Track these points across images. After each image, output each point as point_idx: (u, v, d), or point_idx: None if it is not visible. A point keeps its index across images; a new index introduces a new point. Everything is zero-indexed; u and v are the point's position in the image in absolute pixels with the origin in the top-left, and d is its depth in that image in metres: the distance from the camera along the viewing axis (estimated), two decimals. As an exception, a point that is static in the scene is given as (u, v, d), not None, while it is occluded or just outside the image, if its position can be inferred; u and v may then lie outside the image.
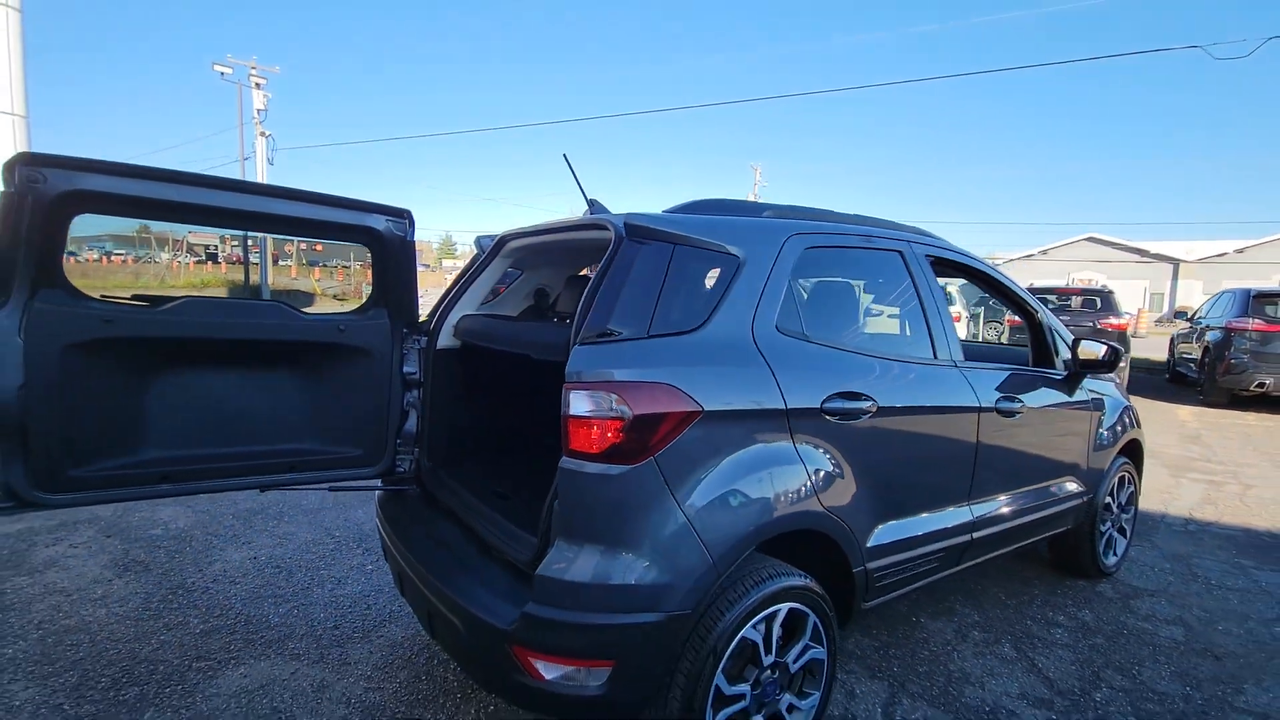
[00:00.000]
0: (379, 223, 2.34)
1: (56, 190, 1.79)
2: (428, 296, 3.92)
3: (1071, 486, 3.02)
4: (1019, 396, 2.64)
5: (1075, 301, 11.11)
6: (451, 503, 2.29)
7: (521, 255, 2.74)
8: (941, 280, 2.81)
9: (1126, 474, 3.44)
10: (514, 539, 1.87)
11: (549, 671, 1.61)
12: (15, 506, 1.89)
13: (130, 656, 2.45)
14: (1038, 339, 3.04)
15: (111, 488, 2.02)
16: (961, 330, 10.87)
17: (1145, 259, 38.48)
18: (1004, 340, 11.40)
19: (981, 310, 15.07)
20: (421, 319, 2.62)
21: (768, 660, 1.81)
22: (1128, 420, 3.40)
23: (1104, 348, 2.93)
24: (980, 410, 2.44)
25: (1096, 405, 3.16)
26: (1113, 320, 10.22)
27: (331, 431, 2.39)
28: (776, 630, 1.82)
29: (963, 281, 16.18)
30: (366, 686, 2.32)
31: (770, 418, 1.81)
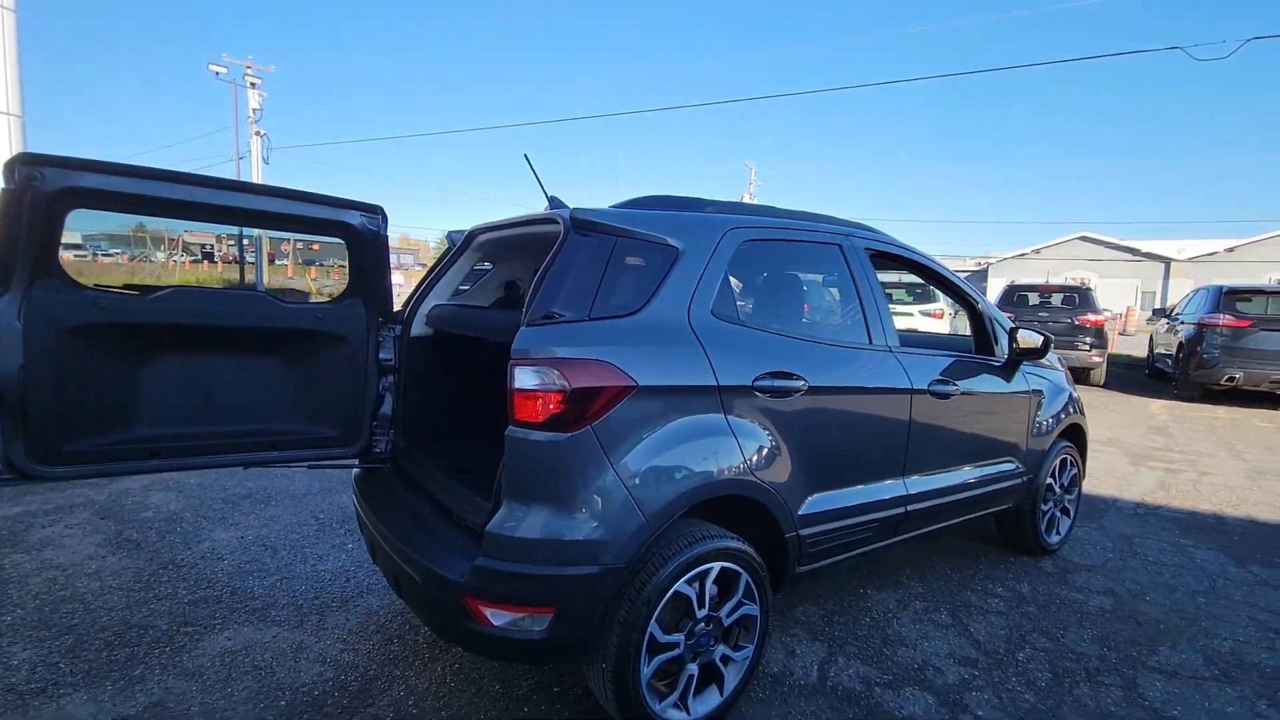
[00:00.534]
0: (354, 218, 2.51)
1: (53, 187, 1.97)
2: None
3: (1010, 467, 3.21)
4: (955, 381, 2.83)
5: (1056, 298, 11.32)
6: (422, 478, 2.47)
7: (490, 249, 2.92)
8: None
9: (1069, 457, 3.63)
10: (472, 505, 2.05)
11: (497, 619, 1.79)
12: (16, 478, 2.06)
13: (122, 623, 2.62)
14: (978, 328, 3.23)
15: (105, 462, 2.20)
16: (944, 325, 11.05)
17: (1137, 258, 38.78)
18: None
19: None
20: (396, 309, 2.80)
21: (701, 614, 1.99)
22: (1069, 406, 3.59)
23: (1040, 337, 3.11)
24: (913, 392, 2.63)
25: (1036, 391, 3.35)
26: (1090, 316, 10.42)
27: (311, 413, 2.56)
28: (710, 587, 2.00)
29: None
30: (342, 648, 2.50)
31: (703, 393, 2.00)
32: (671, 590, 1.90)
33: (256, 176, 26.34)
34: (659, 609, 1.88)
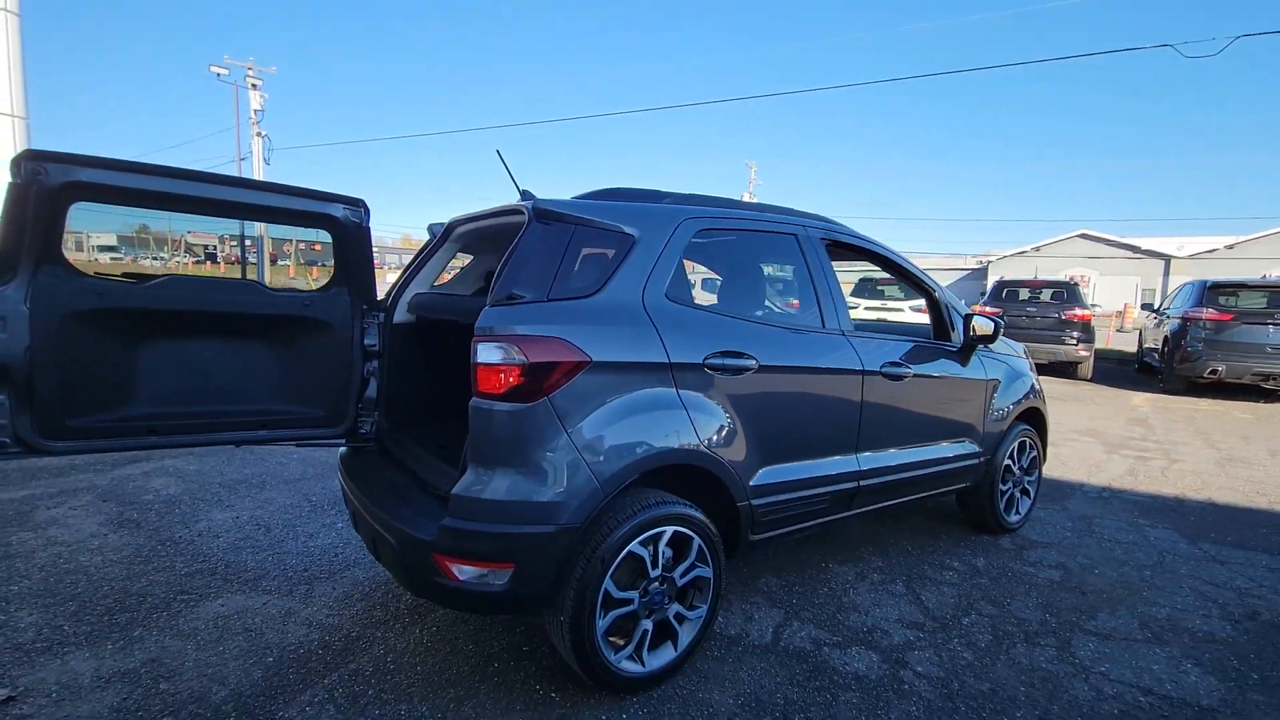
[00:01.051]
0: (338, 210, 2.68)
1: (57, 181, 2.14)
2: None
3: (967, 447, 3.37)
4: (908, 364, 2.99)
5: (1044, 294, 11.46)
6: (402, 455, 2.63)
7: (469, 239, 3.08)
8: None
9: (1028, 440, 3.79)
10: (444, 475, 2.22)
11: (462, 573, 1.95)
12: (23, 451, 2.23)
13: (122, 592, 2.80)
14: (936, 315, 3.39)
15: (105, 438, 2.36)
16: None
17: (1137, 255, 38.86)
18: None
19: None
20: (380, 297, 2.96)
21: (655, 574, 2.16)
22: (1027, 390, 3.75)
23: (992, 323, 3.28)
24: (865, 373, 2.78)
25: (993, 375, 3.51)
26: (1077, 311, 10.56)
27: (300, 395, 2.73)
28: (663, 549, 2.16)
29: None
30: (328, 613, 2.67)
31: (655, 370, 2.16)
32: (625, 550, 2.06)
33: (258, 177, 26.59)
34: (613, 567, 2.04)
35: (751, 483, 2.42)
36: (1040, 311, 10.91)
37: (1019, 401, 3.68)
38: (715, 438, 2.28)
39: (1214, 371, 8.87)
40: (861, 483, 2.82)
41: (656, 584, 2.17)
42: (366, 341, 2.82)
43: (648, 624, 2.17)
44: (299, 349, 2.71)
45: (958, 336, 3.36)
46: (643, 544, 2.11)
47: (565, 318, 2.04)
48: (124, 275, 2.50)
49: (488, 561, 1.95)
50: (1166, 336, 9.86)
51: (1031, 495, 3.89)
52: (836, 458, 2.74)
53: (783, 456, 2.54)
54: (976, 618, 2.77)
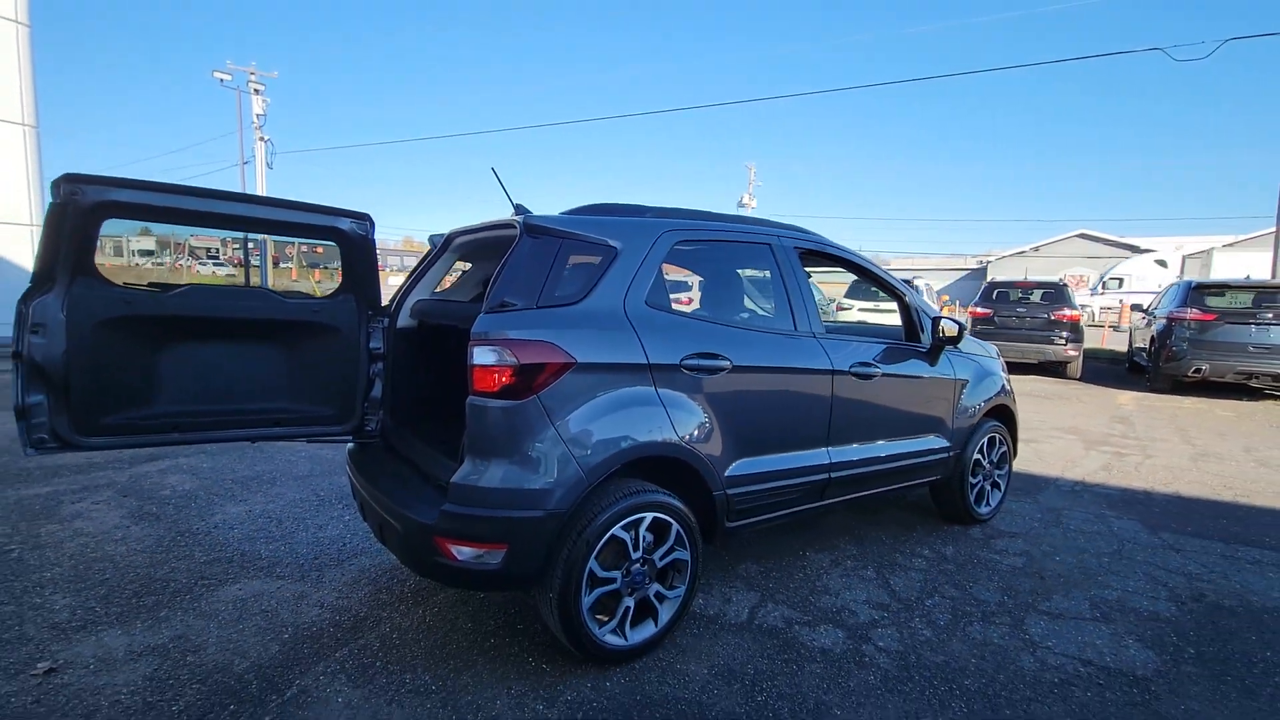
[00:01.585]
0: (344, 223, 2.90)
1: (91, 201, 2.36)
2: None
3: (936, 442, 3.58)
4: (877, 363, 3.20)
5: (1035, 295, 11.65)
6: (406, 450, 2.85)
7: (467, 250, 3.30)
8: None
9: (997, 435, 3.99)
10: (444, 467, 2.43)
11: (461, 554, 2.17)
12: (60, 447, 2.45)
13: (148, 577, 3.02)
14: (906, 318, 3.60)
15: (133, 434, 2.58)
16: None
17: (1135, 255, 38.99)
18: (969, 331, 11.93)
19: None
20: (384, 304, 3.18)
21: (636, 556, 2.37)
22: (997, 389, 3.96)
23: (956, 325, 3.49)
24: (834, 373, 3.00)
25: (962, 374, 3.72)
26: (1066, 311, 10.76)
27: (310, 395, 2.94)
28: (643, 533, 2.38)
29: (925, 283, 16.72)
30: (337, 596, 2.89)
31: (635, 370, 2.38)
32: (609, 534, 2.28)
33: (260, 180, 26.87)
34: (597, 549, 2.26)
35: (726, 474, 2.63)
36: (1030, 312, 11.12)
37: (989, 399, 3.89)
38: (692, 432, 2.49)
39: (1198, 370, 9.07)
40: (832, 475, 3.04)
41: (638, 565, 2.39)
42: (372, 345, 3.04)
43: (630, 602, 2.38)
44: (309, 352, 2.93)
45: (927, 338, 3.57)
46: (625, 528, 2.32)
47: (553, 323, 2.26)
48: (150, 285, 2.73)
49: (484, 543, 2.16)
50: (1153, 336, 10.06)
51: (1002, 488, 4.10)
52: (808, 451, 2.95)
53: (756, 450, 2.75)
54: (939, 599, 2.98)
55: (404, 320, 3.15)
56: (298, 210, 2.83)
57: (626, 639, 2.39)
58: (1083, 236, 41.39)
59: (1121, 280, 27.09)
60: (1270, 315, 8.77)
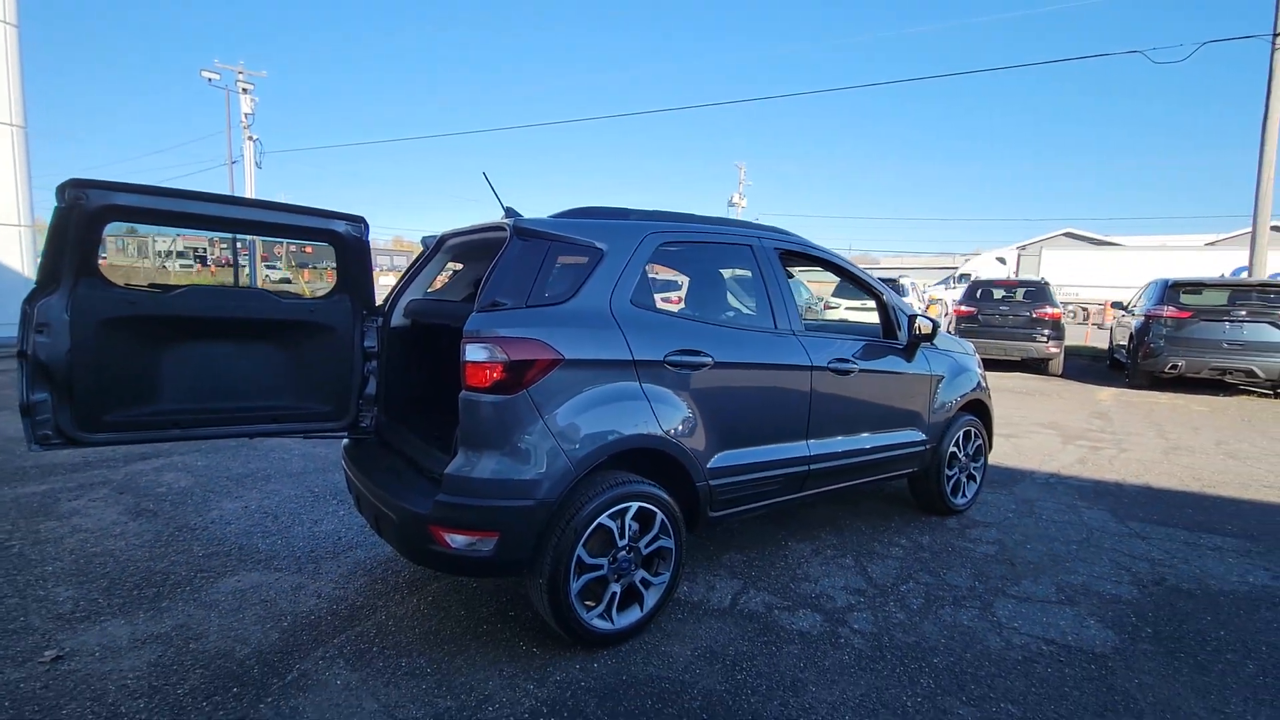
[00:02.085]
0: (340, 226, 2.99)
1: (95, 205, 2.44)
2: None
3: (913, 435, 3.72)
4: (855, 360, 3.33)
5: (1018, 293, 11.87)
6: (400, 444, 2.95)
7: (459, 251, 3.40)
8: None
9: (973, 429, 4.14)
10: (437, 460, 2.54)
11: (455, 542, 2.28)
12: (64, 443, 2.53)
13: (148, 570, 3.10)
14: (884, 316, 3.74)
15: (136, 430, 2.67)
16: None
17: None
18: (952, 330, 12.13)
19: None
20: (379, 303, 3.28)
21: (622, 543, 2.49)
22: (973, 385, 4.10)
23: (930, 323, 3.63)
24: (813, 369, 3.12)
25: (938, 370, 3.86)
26: (1048, 310, 10.98)
27: (306, 392, 3.03)
28: (629, 522, 2.49)
29: (911, 281, 16.90)
30: (334, 587, 2.98)
31: (620, 366, 2.49)
32: (596, 523, 2.39)
33: (249, 180, 26.75)
34: (585, 537, 2.37)
35: (709, 465, 2.75)
36: (1013, 310, 11.33)
37: (964, 394, 4.03)
38: (675, 426, 2.61)
39: (1174, 367, 9.29)
40: (812, 466, 3.16)
41: (624, 552, 2.50)
42: (366, 343, 3.13)
43: (616, 587, 2.50)
44: (305, 350, 3.02)
45: (903, 335, 3.70)
46: (611, 517, 2.44)
47: (542, 321, 2.37)
48: (150, 286, 2.81)
49: (476, 531, 2.27)
50: (1132, 333, 10.29)
51: (977, 480, 4.24)
52: (788, 444, 3.08)
53: (738, 442, 2.87)
54: (913, 585, 3.11)
55: (398, 319, 3.25)
56: (295, 213, 2.92)
57: (613, 623, 2.50)
58: (1068, 235, 42.01)
59: (968, 275, 28.56)
60: (1243, 313, 9.01)
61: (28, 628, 2.58)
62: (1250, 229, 12.89)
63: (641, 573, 2.57)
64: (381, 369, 3.17)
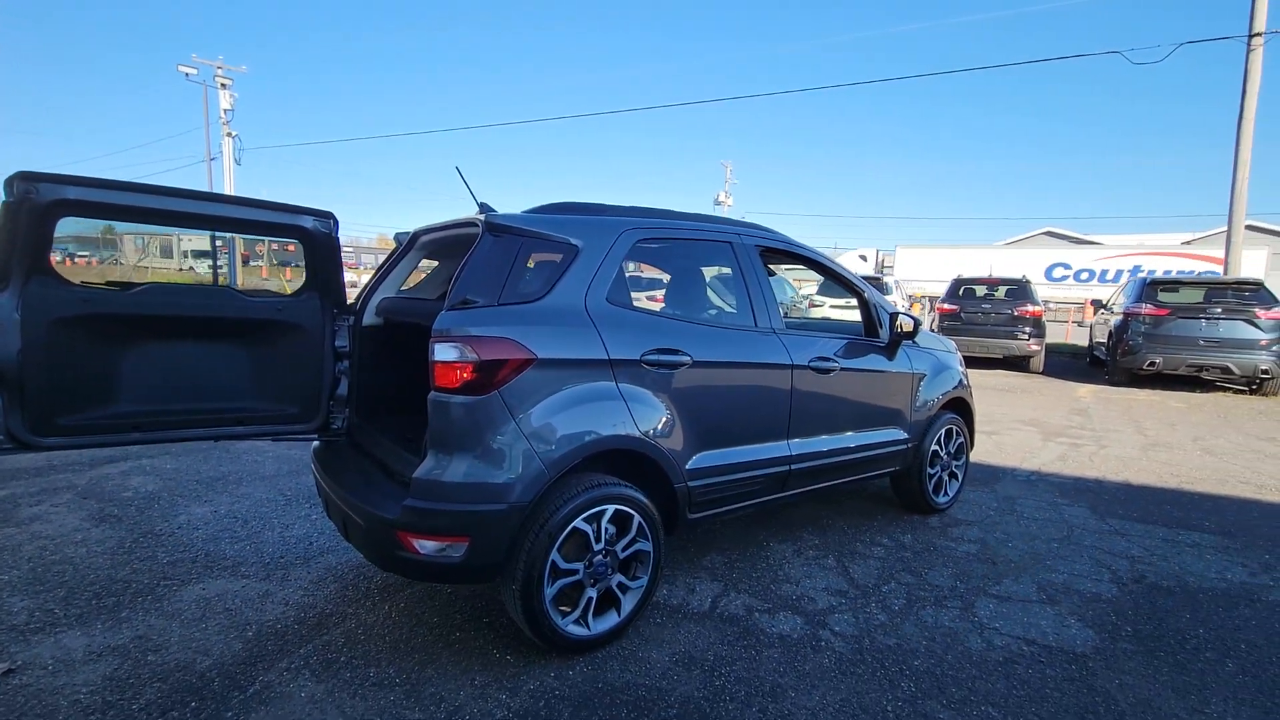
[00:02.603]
0: (308, 222, 2.90)
1: (46, 199, 2.33)
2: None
3: (895, 434, 3.69)
4: (836, 358, 3.29)
5: (1000, 291, 11.95)
6: (370, 446, 2.87)
7: (432, 248, 3.32)
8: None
9: (954, 427, 4.12)
10: (406, 462, 2.46)
11: (424, 548, 2.20)
12: (15, 448, 2.42)
13: (109, 579, 2.99)
14: (865, 314, 3.70)
15: (91, 434, 2.56)
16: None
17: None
18: (934, 327, 12.20)
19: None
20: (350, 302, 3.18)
21: (598, 547, 2.42)
22: (955, 383, 4.08)
23: (912, 320, 3.60)
24: (794, 367, 3.08)
25: (920, 368, 3.83)
26: (1029, 307, 11.07)
27: (274, 393, 2.94)
28: (605, 525, 2.43)
29: (895, 279, 16.94)
30: (303, 594, 2.89)
31: (596, 366, 2.43)
32: (570, 526, 2.33)
33: (228, 177, 26.34)
34: (559, 541, 2.31)
35: (688, 466, 2.70)
36: (995, 308, 11.41)
37: (946, 392, 4.01)
38: (652, 426, 2.55)
39: (1152, 364, 9.40)
40: (793, 466, 3.12)
41: (600, 556, 2.44)
42: (337, 343, 3.04)
43: (592, 592, 2.43)
44: (273, 350, 2.92)
45: (885, 333, 3.67)
46: (586, 520, 2.37)
47: (514, 320, 2.30)
48: (108, 283, 2.70)
49: (446, 536, 2.20)
50: (1111, 331, 10.39)
51: (959, 478, 4.23)
52: (769, 444, 3.03)
53: (717, 443, 2.82)
54: (895, 585, 3.08)
55: (369, 318, 3.16)
56: (260, 209, 2.83)
57: (589, 629, 2.44)
58: (1049, 234, 42.48)
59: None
60: (1219, 310, 9.13)
61: (-23, 641, 2.47)
62: (1226, 228, 13.08)
63: (618, 577, 2.51)
64: (353, 369, 3.08)
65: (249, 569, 3.13)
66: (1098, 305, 12.86)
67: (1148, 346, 9.45)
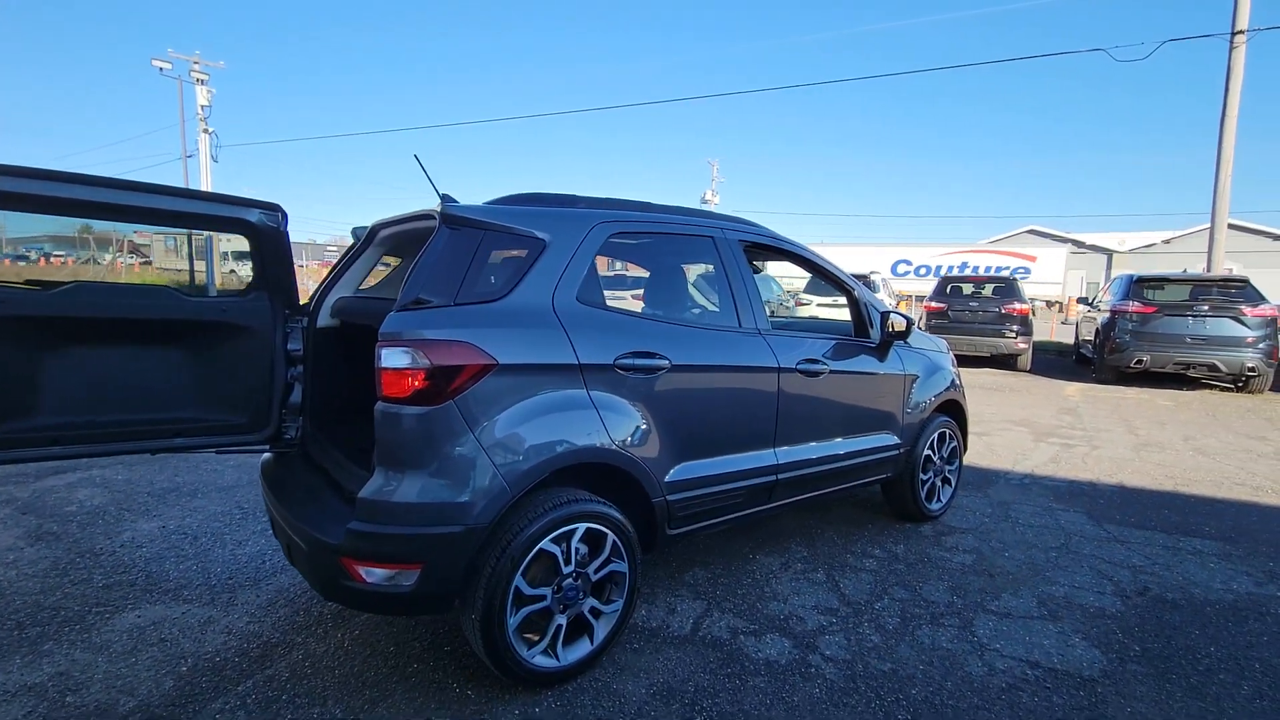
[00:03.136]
0: (253, 215, 2.65)
1: None
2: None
3: (886, 439, 3.51)
4: (825, 360, 3.10)
5: (987, 289, 11.88)
6: (322, 459, 2.63)
7: (393, 243, 3.08)
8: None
9: (948, 431, 3.95)
10: (355, 477, 2.23)
11: (370, 575, 1.98)
12: None
13: (35, 606, 2.73)
14: (855, 313, 3.52)
15: (5, 449, 2.31)
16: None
17: (1082, 250, 40.50)
18: (923, 325, 12.10)
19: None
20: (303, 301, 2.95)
21: (568, 570, 2.21)
22: (947, 384, 3.91)
23: (905, 320, 3.42)
24: (780, 370, 2.88)
25: (912, 369, 3.66)
26: (1016, 305, 10.99)
27: (219, 401, 2.70)
28: (576, 545, 2.22)
29: (882, 276, 16.74)
30: (249, 620, 2.65)
31: (564, 371, 2.21)
32: (537, 548, 2.11)
33: (205, 175, 25.77)
34: (524, 565, 2.09)
35: (667, 479, 2.49)
36: (982, 306, 11.32)
37: (939, 395, 3.84)
38: (627, 436, 2.34)
39: (1139, 361, 9.33)
40: (780, 476, 2.92)
41: (570, 580, 2.22)
42: (290, 346, 2.81)
43: (562, 619, 2.22)
44: (217, 355, 2.68)
45: (876, 333, 3.49)
46: (555, 541, 2.16)
47: (472, 321, 2.08)
48: (28, 282, 2.45)
49: (395, 563, 1.97)
50: (1098, 329, 10.33)
51: (953, 483, 4.06)
52: (754, 452, 2.83)
53: (699, 453, 2.62)
54: (889, 602, 2.90)
55: (324, 319, 2.93)
56: (201, 201, 2.59)
57: (559, 659, 2.22)
58: (1032, 233, 42.83)
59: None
60: (1205, 308, 9.08)
61: (-126, 682, 2.21)
62: (1209, 225, 13.10)
63: (591, 601, 2.30)
64: (307, 375, 2.84)
65: (192, 592, 2.88)
66: (1083, 302, 12.83)
67: (1135, 344, 9.39)
